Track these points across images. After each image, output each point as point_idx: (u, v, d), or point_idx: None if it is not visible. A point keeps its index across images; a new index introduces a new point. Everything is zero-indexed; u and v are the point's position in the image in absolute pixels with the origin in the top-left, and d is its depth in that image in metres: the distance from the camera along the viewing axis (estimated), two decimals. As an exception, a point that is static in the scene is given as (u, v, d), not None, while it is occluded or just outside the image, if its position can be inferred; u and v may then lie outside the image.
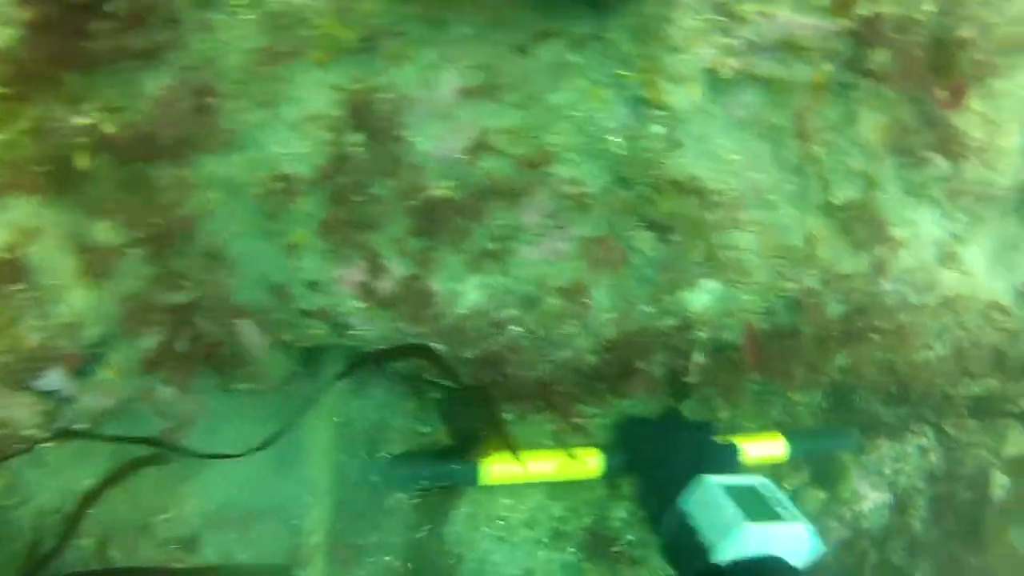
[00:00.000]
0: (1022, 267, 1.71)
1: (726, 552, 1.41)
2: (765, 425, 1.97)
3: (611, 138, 1.28)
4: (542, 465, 1.67)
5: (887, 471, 2.11)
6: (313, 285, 1.37)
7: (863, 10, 1.30)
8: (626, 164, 1.30)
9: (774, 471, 2.04)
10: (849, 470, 2.07)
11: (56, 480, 1.50)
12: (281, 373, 1.59)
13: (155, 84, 1.24)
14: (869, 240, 1.52)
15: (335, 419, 1.66)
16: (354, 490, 1.66)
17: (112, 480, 1.48)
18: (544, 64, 1.24)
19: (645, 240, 1.37)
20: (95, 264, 1.30)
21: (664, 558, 1.60)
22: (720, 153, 1.35)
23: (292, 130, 1.26)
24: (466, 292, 1.36)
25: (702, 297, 1.44)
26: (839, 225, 1.49)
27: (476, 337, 1.40)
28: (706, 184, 1.34)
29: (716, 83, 1.29)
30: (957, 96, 1.42)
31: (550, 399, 1.48)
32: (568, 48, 1.23)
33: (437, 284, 1.35)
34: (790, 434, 1.92)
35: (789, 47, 1.28)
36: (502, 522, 1.80)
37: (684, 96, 1.26)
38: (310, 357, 1.60)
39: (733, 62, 1.26)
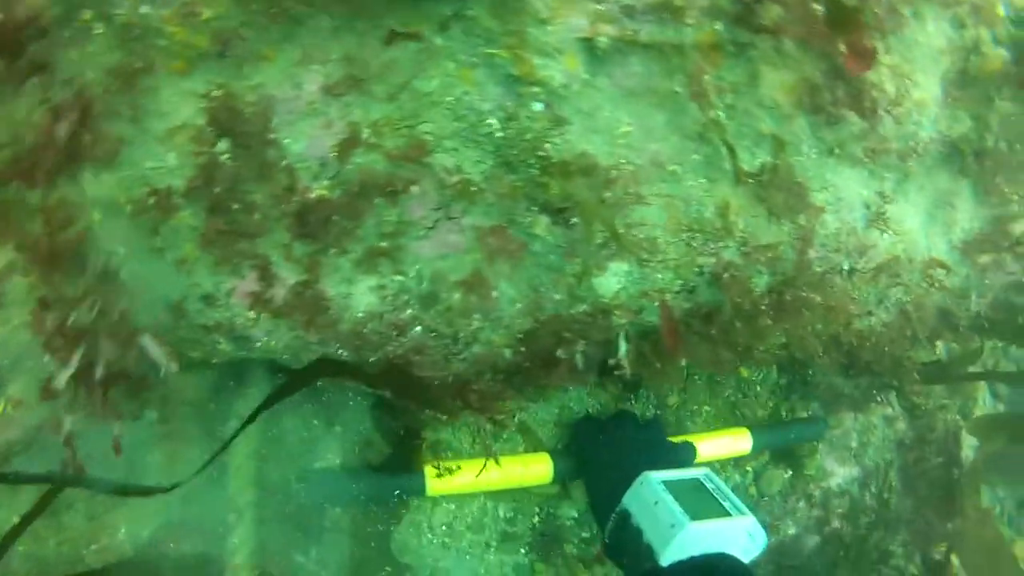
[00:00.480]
0: (959, 222, 1.63)
1: (672, 554, 1.35)
2: (719, 407, 1.91)
3: (489, 121, 1.21)
4: (489, 473, 1.62)
5: (854, 444, 2.03)
6: (208, 299, 1.32)
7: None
8: (508, 147, 1.24)
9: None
10: (814, 447, 2.00)
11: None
12: (197, 393, 1.55)
13: (23, 108, 1.20)
14: (789, 206, 1.44)
15: (262, 434, 1.62)
16: (287, 506, 1.62)
17: (33, 515, 1.46)
18: (409, 51, 1.18)
19: (542, 225, 1.31)
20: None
21: (610, 560, 1.54)
22: (611, 126, 1.28)
23: (160, 143, 1.21)
24: (360, 295, 1.31)
25: (612, 280, 1.38)
26: (753, 193, 1.42)
27: (378, 341, 1.34)
28: (599, 160, 1.27)
29: (595, 53, 1.22)
30: (865, 59, 1.34)
31: (467, 399, 1.42)
32: (432, 31, 1.17)
33: (330, 288, 1.30)
34: (754, 427, 1.87)
35: (667, 8, 1.21)
36: (447, 527, 1.75)
37: (560, 70, 1.20)
38: (226, 373, 1.56)
39: (609, 29, 1.20)
